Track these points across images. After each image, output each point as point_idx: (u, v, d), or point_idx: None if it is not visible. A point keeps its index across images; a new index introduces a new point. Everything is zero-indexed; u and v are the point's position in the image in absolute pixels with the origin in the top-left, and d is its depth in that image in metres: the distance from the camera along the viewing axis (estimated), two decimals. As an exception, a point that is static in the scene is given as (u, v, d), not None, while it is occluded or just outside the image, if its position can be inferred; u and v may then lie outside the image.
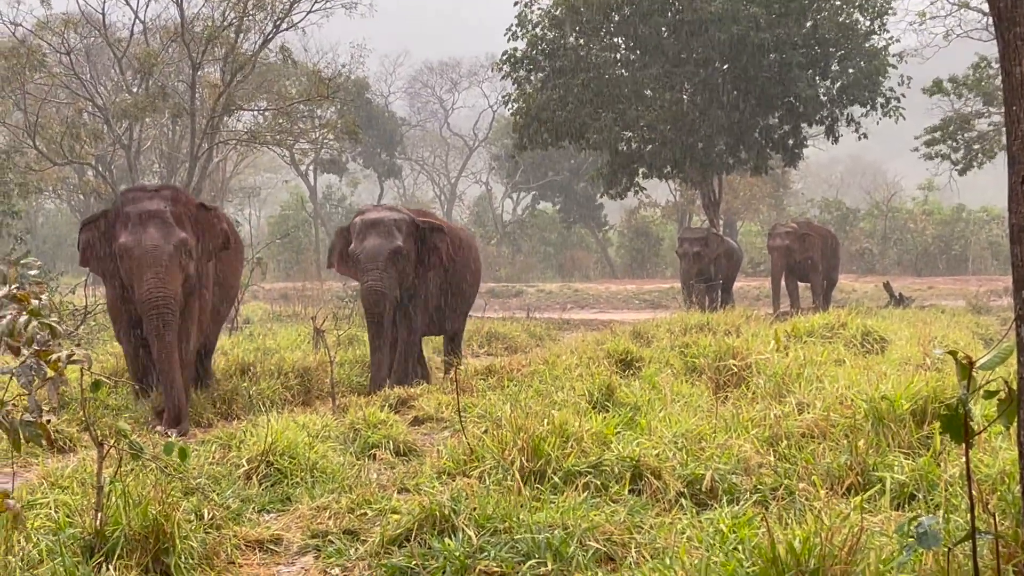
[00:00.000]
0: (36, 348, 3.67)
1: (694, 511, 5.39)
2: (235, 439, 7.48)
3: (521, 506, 5.20)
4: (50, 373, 3.66)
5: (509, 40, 26.84)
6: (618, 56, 27.03)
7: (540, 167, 48.40)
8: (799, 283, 23.92)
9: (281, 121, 32.20)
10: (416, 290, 11.59)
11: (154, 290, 8.64)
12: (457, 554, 4.55)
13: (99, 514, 4.73)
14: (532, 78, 27.04)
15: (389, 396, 9.94)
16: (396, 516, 5.24)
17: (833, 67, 25.49)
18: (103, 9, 29.88)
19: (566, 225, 50.64)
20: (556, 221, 51.38)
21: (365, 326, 11.99)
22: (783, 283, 23.11)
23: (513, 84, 27.76)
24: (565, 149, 35.09)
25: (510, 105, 28.27)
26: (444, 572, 4.48)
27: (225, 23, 28.08)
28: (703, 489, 5.73)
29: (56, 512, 5.29)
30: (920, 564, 4.01)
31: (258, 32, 29.03)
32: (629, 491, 5.74)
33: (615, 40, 27.02)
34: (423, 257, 11.49)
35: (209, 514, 5.45)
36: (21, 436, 3.51)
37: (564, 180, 48.75)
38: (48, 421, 3.62)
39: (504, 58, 27.18)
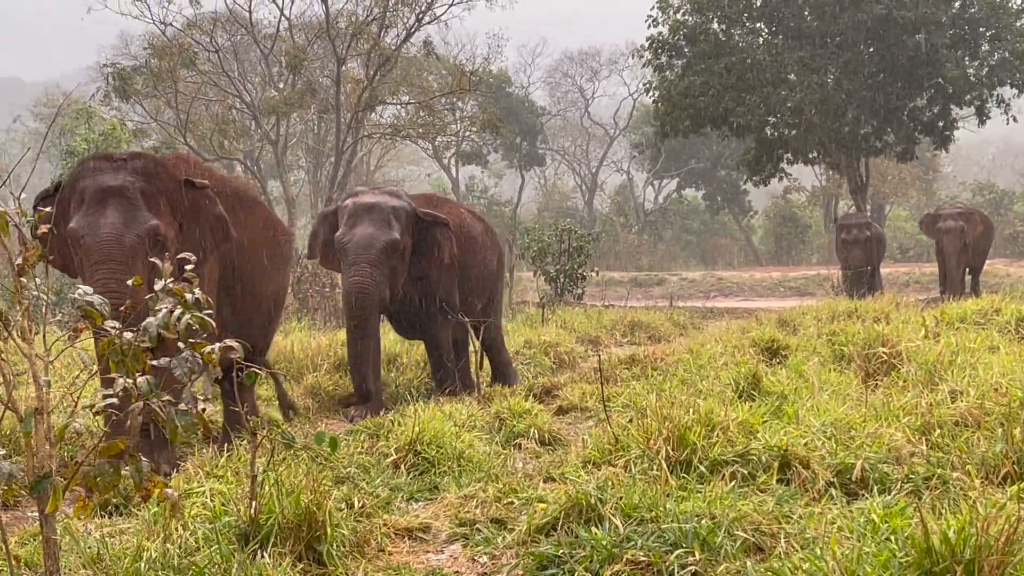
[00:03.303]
0: (191, 341, 3.76)
1: (844, 501, 5.31)
2: (383, 429, 7.58)
3: (667, 495, 5.16)
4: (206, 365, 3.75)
5: (649, 27, 26.72)
6: (761, 40, 26.72)
7: (681, 154, 48.01)
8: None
9: (423, 114, 32.50)
10: (424, 292, 10.08)
11: (105, 294, 6.15)
12: (604, 543, 4.54)
13: (253, 503, 4.82)
14: (673, 65, 26.86)
15: (533, 386, 9.96)
16: (543, 505, 5.24)
17: (983, 47, 24.80)
18: (250, 7, 30.48)
19: (709, 212, 50.18)
20: (699, 209, 50.93)
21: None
22: (950, 267, 21.66)
23: (654, 71, 27.61)
24: (707, 136, 34.79)
25: (651, 93, 28.14)
26: (591, 561, 4.47)
27: (369, 18, 28.45)
28: (853, 479, 5.63)
29: (212, 501, 5.42)
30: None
31: (401, 26, 29.33)
32: (777, 481, 5.67)
33: (758, 24, 26.71)
34: (424, 254, 9.86)
35: (359, 503, 5.52)
36: (178, 426, 3.60)
37: (706, 167, 48.30)
38: (203, 411, 3.71)
39: (645, 45, 27.06)
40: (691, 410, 6.42)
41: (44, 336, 3.61)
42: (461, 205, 11.96)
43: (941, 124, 25.80)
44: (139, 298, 5.83)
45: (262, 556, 4.54)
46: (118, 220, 6.59)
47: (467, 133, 40.22)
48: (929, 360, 8.53)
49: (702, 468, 5.78)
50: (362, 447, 7.07)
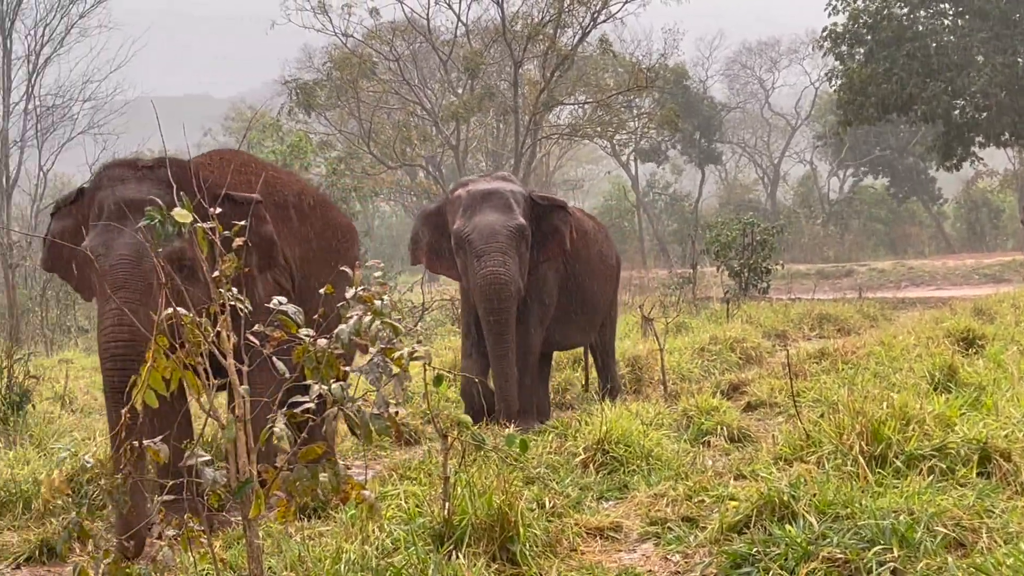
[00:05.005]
0: (381, 346, 3.83)
1: (1049, 495, 5.13)
2: (570, 429, 7.61)
3: (862, 491, 5.07)
4: (395, 370, 3.81)
5: (829, 15, 26.25)
6: (946, 23, 25.96)
7: (865, 143, 46.96)
8: None
9: (600, 113, 32.52)
10: (528, 288, 8.86)
11: (114, 329, 5.55)
12: (799, 540, 4.47)
13: (447, 504, 4.90)
14: (855, 52, 26.32)
15: (720, 382, 9.88)
16: (734, 503, 5.20)
17: None
18: (428, 15, 30.95)
19: (896, 201, 48.97)
20: (885, 197, 49.73)
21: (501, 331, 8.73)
22: None
23: (835, 60, 27.12)
24: (892, 123, 33.97)
25: (833, 81, 27.64)
26: (786, 559, 4.42)
27: (545, 20, 28.61)
28: (1058, 472, 5.44)
29: (406, 502, 5.52)
30: None
31: (576, 26, 29.42)
32: (977, 474, 5.50)
33: (942, 6, 25.97)
34: (539, 243, 8.87)
35: (550, 502, 5.57)
36: (372, 430, 3.68)
37: (892, 155, 47.14)
38: (395, 415, 3.78)
39: (825, 34, 26.60)
40: (885, 404, 6.28)
41: (241, 345, 3.73)
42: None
43: None
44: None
45: (457, 556, 4.61)
46: (138, 241, 5.51)
47: (645, 130, 40.09)
48: None
49: (898, 463, 5.65)
50: (550, 447, 7.12)
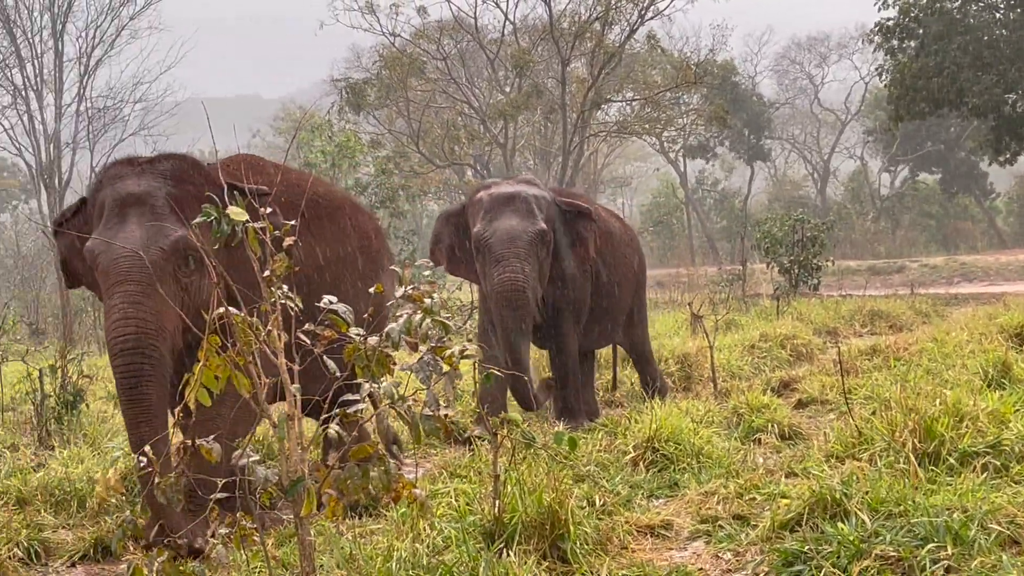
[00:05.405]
0: (431, 345, 3.85)
1: (1107, 492, 5.07)
2: (620, 426, 7.61)
3: (915, 489, 5.03)
4: (445, 368, 3.83)
5: (879, 9, 26.06)
6: (997, 16, 25.71)
7: (916, 137, 46.53)
8: None
9: (649, 110, 32.45)
10: (558, 293, 8.85)
11: (119, 324, 5.28)
12: (851, 538, 4.45)
13: (497, 502, 4.91)
14: (906, 47, 26.11)
15: (770, 379, 9.84)
16: (786, 501, 5.18)
17: None
18: (475, 13, 31.00)
19: (948, 196, 48.50)
20: (936, 192, 49.28)
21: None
22: None
23: (885, 54, 26.92)
24: (943, 118, 33.67)
25: (883, 77, 27.45)
26: (838, 557, 4.39)
27: (592, 17, 28.58)
28: (1116, 469, 5.38)
29: (456, 500, 5.54)
30: None
31: (624, 23, 29.36)
32: (1032, 472, 5.46)
33: (993, -1, 25.74)
34: (560, 248, 8.72)
35: (600, 500, 5.57)
36: (421, 429, 3.69)
37: (943, 150, 46.69)
38: (445, 414, 3.79)
39: (875, 28, 26.41)
40: (937, 400, 6.23)
41: (293, 344, 3.75)
42: (594, 201, 10.79)
43: None
44: (164, 326, 5.28)
45: (507, 554, 4.62)
46: (138, 234, 5.37)
47: (693, 126, 39.98)
48: None
49: (951, 460, 5.61)
50: (600, 445, 7.12)
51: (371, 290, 4.00)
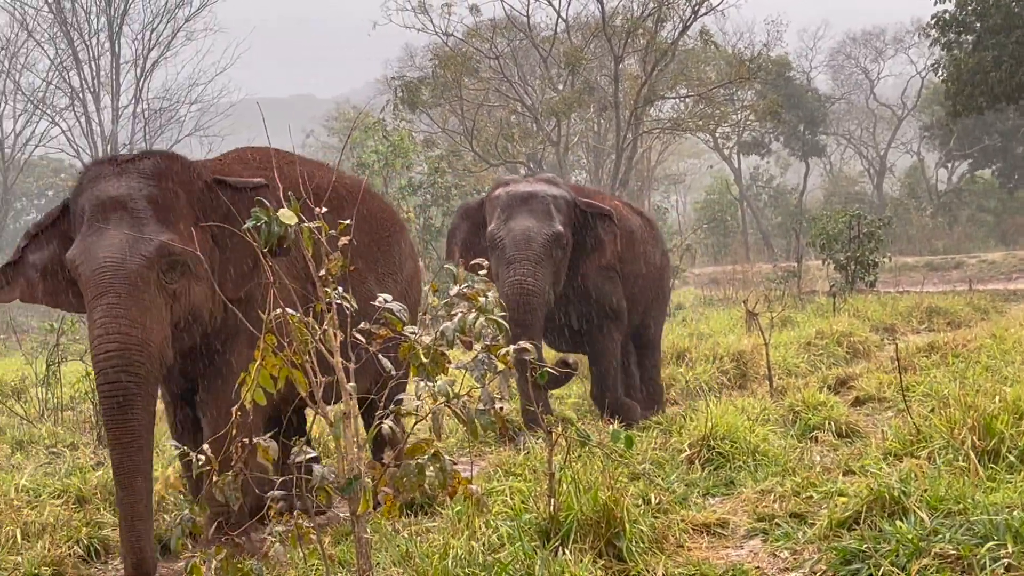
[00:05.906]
0: (485, 343, 3.85)
1: None
2: (675, 424, 7.60)
3: (975, 486, 4.99)
4: (500, 366, 3.84)
5: (936, 3, 25.81)
6: (1057, 8, 25.39)
7: (974, 132, 45.97)
8: None
9: (702, 107, 32.32)
10: (584, 297, 8.74)
11: (100, 340, 4.87)
12: (910, 537, 4.41)
13: (552, 500, 4.91)
14: (963, 41, 25.85)
15: (827, 377, 9.78)
16: (843, 499, 5.15)
17: None
18: (527, 11, 31.00)
19: (1006, 191, 47.91)
20: (995, 187, 48.68)
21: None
22: None
23: (942, 48, 26.66)
24: (1001, 112, 33.28)
25: (940, 71, 27.19)
26: (897, 555, 4.35)
27: (644, 14, 28.51)
28: None
29: (511, 498, 5.55)
30: None
31: (677, 19, 29.26)
32: (1095, 469, 5.39)
33: (1053, -8, 25.40)
34: (580, 250, 8.50)
35: (656, 499, 5.55)
36: (478, 424, 3.70)
37: (1001, 144, 46.12)
38: (500, 411, 3.79)
39: (932, 22, 26.17)
40: (997, 397, 6.18)
41: (348, 343, 3.77)
42: (615, 197, 10.82)
43: None
44: (150, 339, 4.89)
45: (563, 552, 4.62)
46: (118, 241, 4.94)
47: (747, 122, 39.77)
48: None
49: (1011, 458, 5.56)
50: (655, 443, 7.10)
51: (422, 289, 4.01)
